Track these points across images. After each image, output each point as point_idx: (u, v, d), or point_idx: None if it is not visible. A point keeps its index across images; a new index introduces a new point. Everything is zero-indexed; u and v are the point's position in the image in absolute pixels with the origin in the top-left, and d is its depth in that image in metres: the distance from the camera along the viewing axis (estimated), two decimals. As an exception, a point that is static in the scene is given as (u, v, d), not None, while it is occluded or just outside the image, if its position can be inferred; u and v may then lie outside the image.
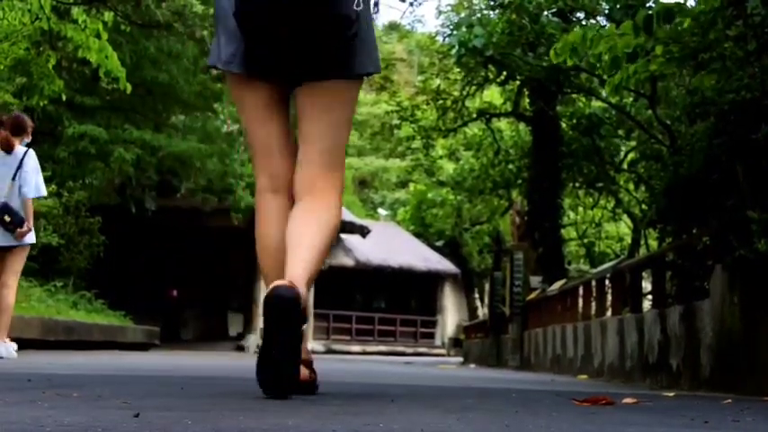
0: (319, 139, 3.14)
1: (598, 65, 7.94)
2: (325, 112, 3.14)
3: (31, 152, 7.79)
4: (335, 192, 3.16)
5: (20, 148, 7.73)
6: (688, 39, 6.60)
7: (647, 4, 10.33)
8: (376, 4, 3.27)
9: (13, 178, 7.60)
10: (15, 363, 6.18)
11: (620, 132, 19.24)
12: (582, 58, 7.60)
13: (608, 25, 10.92)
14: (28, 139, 7.91)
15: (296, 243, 2.97)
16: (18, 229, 7.49)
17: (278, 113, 3.20)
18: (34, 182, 7.72)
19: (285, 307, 2.73)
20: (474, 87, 21.54)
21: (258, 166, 3.23)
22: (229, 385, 4.01)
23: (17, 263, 7.64)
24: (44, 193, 8.14)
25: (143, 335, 16.45)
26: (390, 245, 34.53)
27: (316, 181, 3.12)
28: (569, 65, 8.10)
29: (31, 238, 7.70)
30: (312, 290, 3.19)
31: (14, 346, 7.61)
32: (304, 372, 3.13)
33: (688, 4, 7.29)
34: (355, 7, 2.95)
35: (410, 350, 34.18)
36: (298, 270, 2.89)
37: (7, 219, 7.44)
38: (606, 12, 14.71)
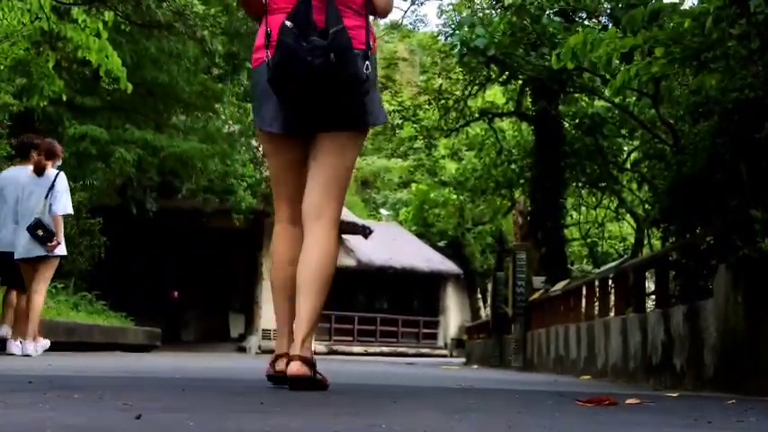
0: (332, 176, 3.82)
1: (599, 64, 7.93)
2: (339, 156, 3.83)
3: (62, 175, 8.70)
4: (337, 217, 3.86)
5: (51, 171, 8.61)
6: (689, 39, 6.58)
7: (649, 4, 10.30)
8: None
9: (46, 197, 8.44)
10: (16, 364, 6.17)
11: (623, 132, 19.19)
12: (584, 60, 7.59)
13: (610, 25, 10.91)
14: (59, 163, 8.84)
15: (304, 296, 3.84)
16: (48, 243, 8.34)
17: (304, 166, 3.84)
18: (63, 201, 8.57)
19: (301, 388, 3.48)
20: (476, 87, 21.54)
21: (282, 202, 3.93)
22: (231, 387, 4.00)
23: (48, 271, 8.51)
24: (70, 211, 8.92)
25: (144, 336, 16.41)
26: (392, 245, 34.50)
27: (324, 209, 3.79)
28: (571, 67, 8.08)
29: (61, 250, 8.52)
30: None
31: (47, 343, 8.57)
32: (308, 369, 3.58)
33: (689, 4, 7.27)
34: (365, 70, 3.65)
35: (412, 351, 34.11)
36: (301, 329, 3.73)
37: (40, 233, 8.32)
38: (608, 11, 14.69)
